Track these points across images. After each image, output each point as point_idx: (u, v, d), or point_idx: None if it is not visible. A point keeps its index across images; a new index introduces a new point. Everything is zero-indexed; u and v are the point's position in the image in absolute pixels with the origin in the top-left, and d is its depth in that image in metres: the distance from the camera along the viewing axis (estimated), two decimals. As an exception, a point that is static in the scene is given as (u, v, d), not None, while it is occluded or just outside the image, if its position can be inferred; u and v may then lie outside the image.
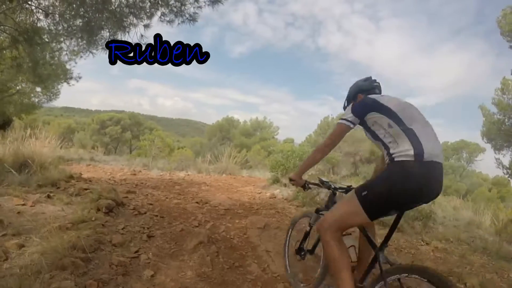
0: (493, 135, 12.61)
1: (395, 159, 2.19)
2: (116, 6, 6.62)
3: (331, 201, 3.12)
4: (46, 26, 7.09)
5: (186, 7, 6.88)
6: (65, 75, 13.36)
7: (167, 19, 6.95)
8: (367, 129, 2.54)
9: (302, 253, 3.34)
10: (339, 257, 2.37)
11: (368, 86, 2.86)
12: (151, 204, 6.05)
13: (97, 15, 6.57)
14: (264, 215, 5.97)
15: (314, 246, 3.25)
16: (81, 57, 8.95)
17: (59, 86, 15.76)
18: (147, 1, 6.78)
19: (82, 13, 6.61)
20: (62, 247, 3.23)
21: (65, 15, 6.75)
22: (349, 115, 2.53)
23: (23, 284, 2.70)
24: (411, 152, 2.13)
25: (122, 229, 4.45)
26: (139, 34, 6.97)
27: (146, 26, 6.99)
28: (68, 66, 13.08)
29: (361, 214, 2.27)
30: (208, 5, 6.85)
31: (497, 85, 12.52)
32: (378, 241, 2.62)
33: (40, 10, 6.83)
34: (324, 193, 7.00)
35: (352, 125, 2.54)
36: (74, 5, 6.48)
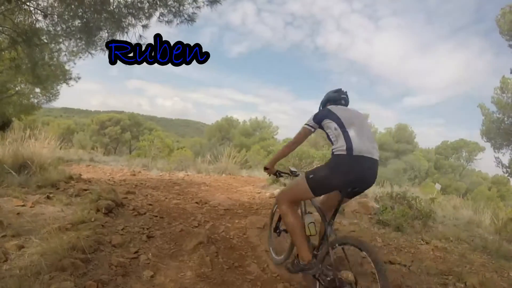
0: (492, 134, 12.63)
1: (334, 153, 2.93)
2: (114, 6, 6.62)
3: None
4: (44, 27, 7.09)
5: (184, 8, 6.88)
6: (64, 76, 13.36)
7: (166, 19, 6.95)
8: (324, 131, 3.18)
9: (278, 231, 4.04)
10: (293, 223, 3.13)
11: (336, 97, 3.47)
12: (150, 204, 6.05)
13: (95, 15, 6.57)
14: (264, 215, 5.96)
15: None
16: (80, 57, 9.02)
17: (58, 87, 15.78)
18: (146, 2, 6.78)
19: (80, 14, 6.61)
20: (61, 248, 3.24)
21: (63, 16, 6.75)
22: (311, 122, 3.23)
23: (23, 285, 2.71)
24: (344, 147, 2.83)
25: (122, 229, 4.45)
26: (137, 34, 6.98)
27: (145, 27, 6.99)
28: (67, 67, 13.09)
29: (307, 191, 3.01)
30: (207, 5, 6.85)
31: (497, 84, 12.55)
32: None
33: (39, 11, 6.83)
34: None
35: (313, 129, 3.25)
36: (73, 6, 6.47)
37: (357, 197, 6.68)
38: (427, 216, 6.85)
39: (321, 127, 3.17)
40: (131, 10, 6.73)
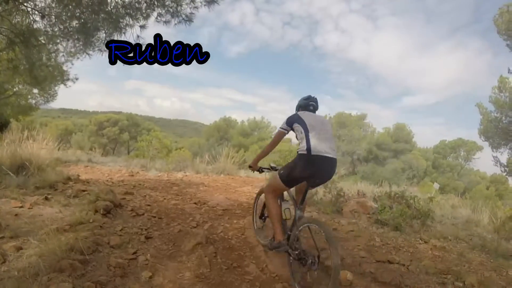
0: (490, 133, 12.65)
1: (298, 152, 3.64)
2: (112, 7, 6.60)
3: None
4: (42, 27, 7.07)
5: (182, 8, 6.87)
6: (62, 77, 13.32)
7: (164, 19, 6.94)
8: (294, 133, 3.80)
9: (263, 217, 4.72)
10: (272, 209, 3.82)
11: (306, 104, 4.04)
12: (149, 205, 6.05)
13: (93, 16, 6.55)
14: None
15: None
16: (78, 58, 8.94)
17: (56, 88, 15.74)
18: (143, 2, 6.77)
19: (78, 14, 6.59)
20: (60, 249, 3.24)
21: (61, 16, 6.73)
22: (284, 125, 3.85)
23: (21, 287, 2.71)
24: (305, 148, 3.49)
25: (120, 230, 4.45)
26: (135, 35, 6.96)
27: (142, 27, 6.97)
28: (64, 68, 13.03)
29: (280, 184, 3.73)
30: (205, 5, 6.84)
31: (494, 83, 12.56)
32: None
33: (36, 12, 6.81)
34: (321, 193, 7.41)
35: (286, 131, 3.87)
36: (70, 7, 6.46)
37: (356, 196, 6.80)
38: (426, 215, 6.85)
39: (292, 129, 3.79)
40: (128, 11, 6.72)
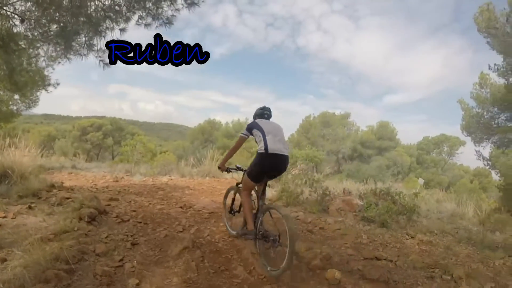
0: (472, 128, 12.81)
1: (258, 152, 4.27)
2: (92, 10, 6.53)
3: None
4: (22, 31, 6.96)
5: (163, 10, 6.83)
6: (43, 82, 13.08)
7: (144, 22, 6.88)
8: (254, 137, 4.44)
9: (232, 212, 5.22)
10: (247, 205, 4.39)
11: (261, 113, 4.75)
12: (134, 210, 6.01)
13: (73, 19, 6.47)
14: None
15: (240, 208, 4.92)
16: (59, 63, 8.80)
17: (37, 93, 15.48)
18: (124, 5, 6.71)
19: (58, 18, 6.51)
20: (44, 260, 3.20)
21: (41, 20, 6.63)
22: (244, 131, 4.52)
23: (6, 299, 2.67)
24: (263, 148, 4.15)
25: (106, 237, 4.42)
26: (115, 38, 6.89)
27: (122, 30, 6.90)
28: (46, 72, 12.81)
29: (249, 181, 4.35)
30: (186, 7, 6.82)
31: (475, 80, 12.76)
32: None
33: (16, 16, 6.69)
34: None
35: (246, 136, 4.52)
36: (50, 10, 6.37)
37: (341, 195, 6.87)
38: (411, 210, 6.94)
39: (252, 134, 4.45)
40: (109, 14, 6.65)
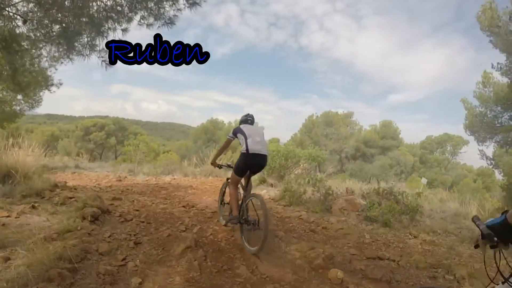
0: (475, 127, 12.81)
1: (241, 152, 4.91)
2: (94, 10, 6.55)
3: None
4: (25, 32, 6.98)
5: (165, 10, 6.84)
6: (46, 82, 13.11)
7: (146, 22, 6.89)
8: (238, 139, 5.07)
9: (223, 203, 5.92)
10: (233, 195, 5.04)
11: (245, 119, 5.39)
12: (137, 210, 6.03)
13: (75, 20, 6.48)
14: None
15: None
16: (62, 63, 8.81)
17: (40, 93, 15.51)
18: (126, 5, 6.71)
19: (60, 18, 6.52)
20: (48, 259, 3.20)
21: (43, 21, 6.65)
22: (230, 134, 5.20)
23: (9, 298, 2.68)
24: (245, 149, 4.80)
25: (109, 237, 4.42)
26: (117, 38, 6.90)
27: (124, 30, 6.91)
28: (48, 73, 12.85)
29: (236, 176, 5.03)
30: (188, 7, 6.82)
31: (478, 79, 12.73)
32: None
33: (19, 16, 6.71)
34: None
35: (232, 139, 5.20)
36: (53, 11, 6.39)
37: (344, 194, 6.88)
38: (414, 210, 6.93)
39: (236, 137, 5.12)
40: (111, 14, 6.66)
